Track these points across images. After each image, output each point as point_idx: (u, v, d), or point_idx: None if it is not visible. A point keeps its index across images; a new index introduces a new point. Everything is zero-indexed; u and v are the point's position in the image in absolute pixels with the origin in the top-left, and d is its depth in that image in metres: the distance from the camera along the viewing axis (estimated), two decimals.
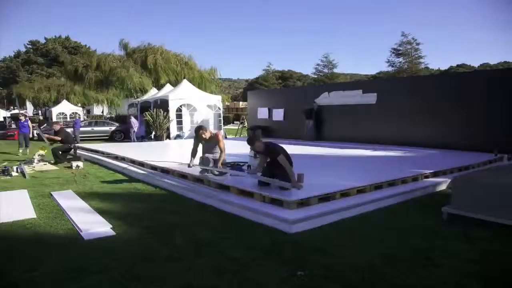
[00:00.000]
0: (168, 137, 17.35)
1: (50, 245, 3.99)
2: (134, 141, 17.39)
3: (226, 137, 18.85)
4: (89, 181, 7.68)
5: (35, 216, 5.05)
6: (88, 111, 41.12)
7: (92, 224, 4.66)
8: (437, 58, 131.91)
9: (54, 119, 28.93)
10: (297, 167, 5.59)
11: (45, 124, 22.80)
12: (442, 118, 11.18)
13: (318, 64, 58.10)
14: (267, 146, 5.51)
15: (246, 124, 20.03)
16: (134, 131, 18.11)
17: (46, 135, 11.53)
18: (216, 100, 19.48)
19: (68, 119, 29.93)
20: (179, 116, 17.90)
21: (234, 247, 3.86)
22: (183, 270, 3.31)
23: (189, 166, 6.69)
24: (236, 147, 10.88)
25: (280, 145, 5.62)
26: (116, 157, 10.23)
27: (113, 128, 21.44)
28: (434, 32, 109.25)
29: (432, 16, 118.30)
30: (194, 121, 18.22)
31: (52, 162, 10.16)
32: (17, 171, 8.72)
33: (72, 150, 10.77)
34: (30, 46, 60.66)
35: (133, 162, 9.20)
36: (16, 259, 3.62)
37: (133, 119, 18.43)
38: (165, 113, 17.43)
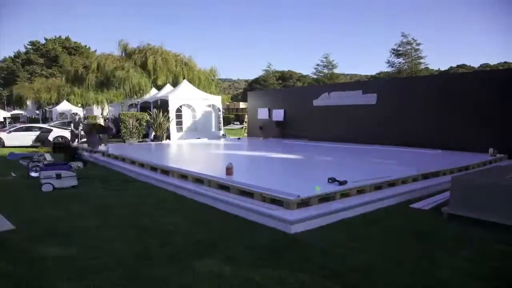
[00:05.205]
0: (168, 137, 17.32)
1: (50, 245, 3.99)
2: None
3: (225, 137, 18.88)
4: (90, 182, 7.68)
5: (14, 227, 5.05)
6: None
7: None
8: (437, 59, 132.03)
9: (55, 120, 29.14)
10: None
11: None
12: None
13: (318, 65, 58.07)
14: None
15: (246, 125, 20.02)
16: None
17: None
18: (216, 100, 19.49)
19: (69, 119, 30.14)
20: (179, 116, 17.90)
21: (234, 247, 3.86)
22: (183, 270, 3.31)
23: None
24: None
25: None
26: (116, 158, 10.25)
27: None
28: (434, 32, 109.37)
29: (432, 16, 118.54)
30: (194, 121, 18.23)
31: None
32: None
33: None
34: (30, 47, 60.65)
35: (133, 162, 9.22)
36: (16, 259, 3.62)
37: None
38: (165, 113, 17.42)
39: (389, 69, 51.20)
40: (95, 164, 10.57)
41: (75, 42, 61.09)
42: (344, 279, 3.13)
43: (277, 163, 9.02)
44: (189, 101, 18.23)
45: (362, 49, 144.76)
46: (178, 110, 17.84)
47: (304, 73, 73.90)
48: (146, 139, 17.53)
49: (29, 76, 54.73)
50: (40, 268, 3.37)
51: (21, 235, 4.31)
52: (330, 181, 5.70)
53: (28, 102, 43.94)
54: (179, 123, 17.86)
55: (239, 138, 17.98)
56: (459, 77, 13.15)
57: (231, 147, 13.41)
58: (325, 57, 56.53)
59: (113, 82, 26.25)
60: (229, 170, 6.40)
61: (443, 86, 11.48)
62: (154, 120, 17.10)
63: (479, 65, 68.52)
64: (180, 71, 26.77)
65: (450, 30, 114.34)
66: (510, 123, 9.88)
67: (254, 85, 67.84)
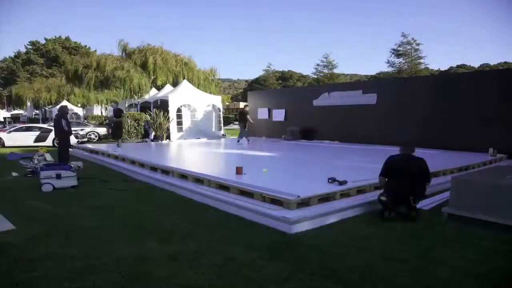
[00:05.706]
0: (168, 137, 17.31)
1: (50, 245, 3.99)
2: None
3: (225, 137, 18.87)
4: (90, 182, 7.68)
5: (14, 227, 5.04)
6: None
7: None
8: (437, 59, 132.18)
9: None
10: None
11: None
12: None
13: (318, 65, 58.02)
14: None
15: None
16: None
17: None
18: (216, 100, 19.48)
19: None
20: (179, 116, 17.90)
21: (234, 247, 3.86)
22: (183, 270, 3.31)
23: None
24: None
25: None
26: (116, 158, 10.25)
27: None
28: (434, 32, 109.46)
29: (432, 16, 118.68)
30: (194, 122, 18.23)
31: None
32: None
33: None
34: (30, 47, 60.65)
35: (133, 162, 9.21)
36: (16, 259, 3.62)
37: None
38: (165, 113, 17.42)
39: (389, 69, 51.20)
40: (95, 164, 10.56)
41: (75, 42, 61.06)
42: (344, 279, 3.13)
43: (278, 163, 9.02)
44: (189, 101, 18.22)
45: (362, 49, 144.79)
46: (178, 110, 17.83)
47: (304, 73, 73.94)
48: (146, 139, 17.52)
49: (29, 76, 54.71)
50: (40, 268, 3.37)
51: (21, 235, 4.32)
52: (330, 181, 5.70)
53: (28, 102, 43.89)
54: (179, 123, 17.86)
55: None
56: (458, 77, 13.15)
57: (231, 147, 13.40)
58: (325, 57, 56.49)
59: (113, 82, 26.25)
60: (239, 170, 6.45)
61: (443, 86, 11.47)
62: (154, 120, 17.10)
63: (479, 65, 68.48)
64: (180, 71, 26.75)
65: (450, 30, 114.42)
66: (510, 123, 9.88)
67: (254, 85, 67.81)
